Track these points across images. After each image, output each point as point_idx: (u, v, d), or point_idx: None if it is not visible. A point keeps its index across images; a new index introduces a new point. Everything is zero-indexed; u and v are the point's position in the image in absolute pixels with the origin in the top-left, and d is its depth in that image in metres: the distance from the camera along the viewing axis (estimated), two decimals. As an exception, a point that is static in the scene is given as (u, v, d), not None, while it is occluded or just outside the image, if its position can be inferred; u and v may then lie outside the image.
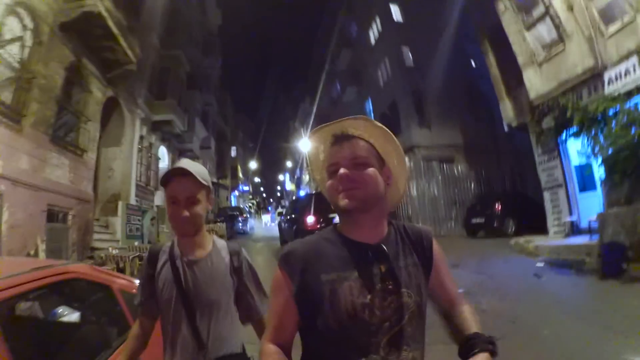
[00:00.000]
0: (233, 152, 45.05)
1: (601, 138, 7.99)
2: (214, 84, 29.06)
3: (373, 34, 24.50)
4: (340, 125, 1.17)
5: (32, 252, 7.41)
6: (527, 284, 7.10)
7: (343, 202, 1.07)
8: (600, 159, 8.11)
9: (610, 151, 7.90)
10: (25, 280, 1.70)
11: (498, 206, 12.81)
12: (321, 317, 1.04)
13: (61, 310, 2.49)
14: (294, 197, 20.67)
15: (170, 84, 16.87)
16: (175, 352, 1.55)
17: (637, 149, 7.38)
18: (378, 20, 23.37)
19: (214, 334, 1.56)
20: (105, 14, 9.07)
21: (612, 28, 8.80)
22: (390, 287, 1.07)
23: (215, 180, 31.65)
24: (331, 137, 1.17)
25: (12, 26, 7.69)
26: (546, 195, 10.97)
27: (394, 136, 1.17)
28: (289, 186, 75.21)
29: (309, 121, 43.24)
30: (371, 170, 1.10)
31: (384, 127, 1.17)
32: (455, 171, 17.98)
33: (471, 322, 1.14)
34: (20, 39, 7.84)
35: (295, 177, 68.05)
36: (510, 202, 13.18)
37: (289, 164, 67.38)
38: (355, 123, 1.17)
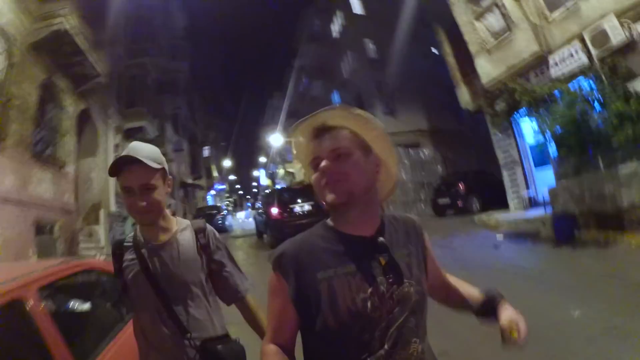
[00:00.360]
0: (206, 152, 45.26)
1: (547, 118, 8.82)
2: (182, 87, 29.14)
3: (335, 28, 25.03)
4: (319, 117, 1.13)
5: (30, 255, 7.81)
6: (486, 254, 7.84)
7: (329, 197, 1.05)
8: (549, 137, 8.96)
9: (558, 129, 8.75)
10: (59, 270, 2.19)
11: (461, 186, 13.72)
12: (321, 316, 1.01)
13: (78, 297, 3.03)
14: (264, 193, 21.99)
15: (139, 91, 17.07)
16: (153, 341, 1.50)
17: (580, 126, 8.24)
18: (339, 14, 23.92)
19: (192, 317, 1.49)
20: (72, 31, 9.34)
21: (556, 14, 9.54)
22: (390, 279, 1.04)
23: (190, 181, 31.88)
24: (313, 130, 1.13)
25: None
26: (504, 173, 11.90)
27: (375, 121, 1.14)
28: (265, 181, 75.30)
29: (278, 116, 43.55)
30: (354, 159, 1.06)
31: (362, 113, 1.14)
32: (422, 155, 18.86)
33: (469, 287, 1.22)
34: (-7, 64, 8.11)
35: (270, 172, 68.26)
36: (473, 181, 14.07)
37: (262, 159, 67.48)
38: (334, 113, 1.13)
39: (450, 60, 13.29)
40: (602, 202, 7.41)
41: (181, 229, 1.61)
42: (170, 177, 1.62)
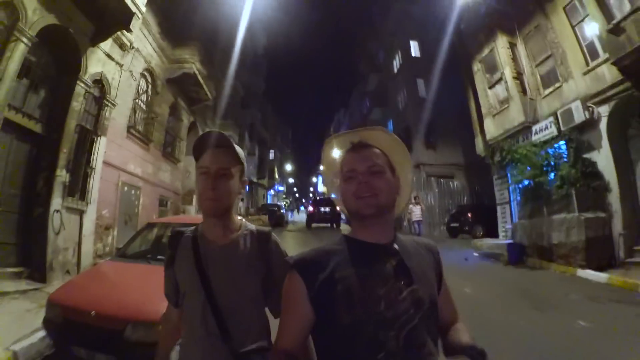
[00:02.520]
0: (271, 155, 48.34)
1: (516, 173, 11.88)
2: (259, 99, 33.45)
3: (396, 63, 28.10)
4: (359, 134, 1.25)
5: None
6: (458, 262, 10.98)
7: (361, 207, 1.13)
8: (516, 187, 12.01)
9: (524, 182, 11.78)
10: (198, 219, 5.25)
11: (470, 215, 16.75)
12: (337, 314, 1.05)
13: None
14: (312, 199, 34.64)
15: (229, 107, 21.44)
16: (196, 342, 1.40)
17: (536, 183, 11.27)
18: (400, 53, 27.01)
19: (239, 325, 1.39)
20: (196, 72, 13.70)
21: (547, 91, 12.43)
22: (403, 282, 1.09)
23: (255, 180, 35.83)
24: (349, 144, 1.23)
25: (142, 84, 12.38)
26: (498, 209, 14.86)
27: (405, 147, 1.27)
28: (321, 188, 79.34)
29: (341, 130, 46.96)
30: (386, 177, 1.16)
31: (398, 139, 1.27)
32: (451, 185, 21.74)
33: (467, 336, 1.20)
34: (146, 91, 12.55)
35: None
36: (480, 212, 16.99)
37: (322, 167, 71.23)
38: (373, 133, 1.26)
39: (473, 114, 16.37)
40: (542, 239, 10.36)
41: (245, 233, 1.53)
42: (246, 178, 1.60)
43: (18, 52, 6.87)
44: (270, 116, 47.03)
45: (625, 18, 8.57)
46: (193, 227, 1.56)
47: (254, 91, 29.41)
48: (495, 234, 15.05)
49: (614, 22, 8.87)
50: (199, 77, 13.93)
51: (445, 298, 1.27)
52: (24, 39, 6.94)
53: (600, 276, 8.41)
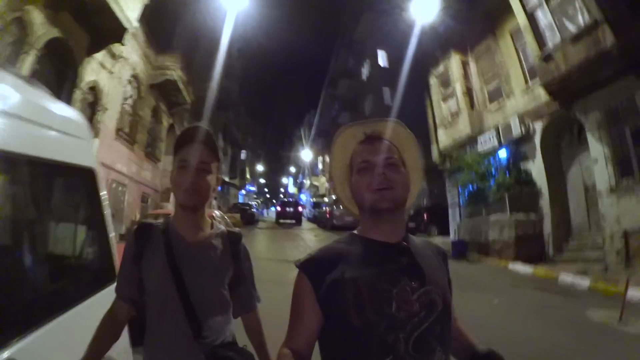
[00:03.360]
0: (243, 155, 48.39)
1: (459, 179, 13.61)
2: (233, 100, 34.21)
3: (365, 71, 29.61)
4: (373, 125, 1.20)
5: (134, 219, 13.09)
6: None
7: (377, 200, 1.08)
8: (461, 191, 13.73)
9: (470, 187, 13.49)
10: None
11: (425, 215, 18.44)
12: (346, 315, 1.01)
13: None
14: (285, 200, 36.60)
15: (205, 109, 22.32)
16: (162, 341, 1.37)
17: (477, 188, 12.97)
18: (368, 61, 28.51)
19: (210, 323, 1.40)
20: (177, 78, 14.76)
21: (493, 105, 14.06)
22: (415, 283, 1.05)
23: (227, 179, 35.99)
24: (362, 135, 1.19)
25: (129, 89, 13.32)
26: (450, 210, 16.55)
27: (418, 146, 1.25)
28: (292, 189, 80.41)
29: (310, 131, 48.36)
30: (401, 171, 1.12)
31: (412, 134, 1.24)
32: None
33: (475, 339, 1.20)
34: (131, 96, 13.51)
35: (298, 181, 73.17)
36: (434, 212, 18.58)
37: (292, 169, 72.37)
38: (387, 125, 1.22)
39: (430, 122, 18.01)
40: (480, 236, 12.02)
41: (217, 233, 1.53)
42: (220, 175, 1.58)
43: (27, 62, 7.91)
44: (243, 117, 47.44)
45: (554, 48, 10.12)
46: (162, 221, 1.52)
47: (228, 93, 30.18)
48: (448, 233, 16.68)
49: (546, 50, 10.42)
50: (179, 83, 14.99)
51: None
52: (33, 51, 7.98)
53: (527, 268, 9.96)
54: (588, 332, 5.28)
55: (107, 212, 2.15)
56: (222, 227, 1.59)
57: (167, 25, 14.64)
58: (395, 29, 23.81)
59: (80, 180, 2.03)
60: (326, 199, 36.08)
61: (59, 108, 1.85)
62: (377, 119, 1.24)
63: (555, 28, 10.19)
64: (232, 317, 1.54)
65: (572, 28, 9.69)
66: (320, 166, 49.95)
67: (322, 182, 47.88)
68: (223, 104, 28.47)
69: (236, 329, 1.55)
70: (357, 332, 1.00)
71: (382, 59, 27.51)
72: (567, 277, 8.80)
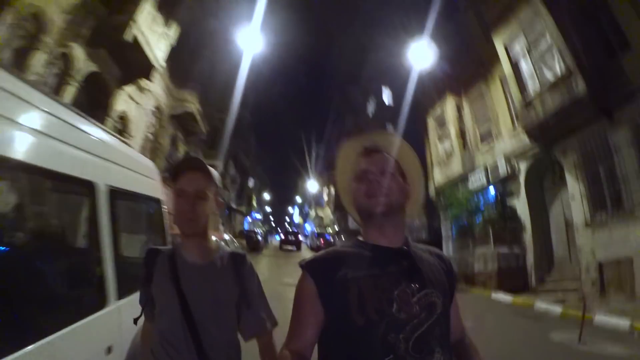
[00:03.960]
0: (250, 183, 49.19)
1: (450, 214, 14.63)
2: (244, 130, 35.56)
3: (370, 108, 30.91)
4: (372, 139, 1.30)
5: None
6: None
7: (372, 205, 1.16)
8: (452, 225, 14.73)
9: (460, 221, 14.49)
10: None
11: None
12: (349, 313, 1.06)
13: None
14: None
15: (218, 137, 23.64)
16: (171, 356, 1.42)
17: (467, 222, 13.95)
18: (374, 99, 29.93)
19: (214, 344, 1.44)
20: (195, 111, 16.14)
21: (484, 146, 15.17)
22: (416, 285, 1.10)
23: (235, 206, 36.97)
24: (361, 147, 1.28)
25: (151, 119, 14.64)
26: (443, 243, 17.40)
27: (417, 157, 1.32)
28: (297, 219, 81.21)
29: (318, 163, 49.53)
30: (397, 180, 1.20)
31: (409, 146, 1.31)
32: (412, 222, 24.11)
33: (479, 356, 1.24)
34: (153, 125, 14.83)
35: (304, 212, 74.02)
36: (432, 245, 19.27)
37: (298, 199, 73.29)
38: (385, 138, 1.32)
39: (428, 160, 19.02)
40: (467, 267, 12.88)
41: (221, 255, 1.58)
42: (221, 200, 1.64)
43: (70, 92, 9.16)
44: (253, 146, 48.53)
45: (534, 95, 11.21)
46: (169, 247, 1.61)
47: (239, 122, 31.42)
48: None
49: (527, 97, 11.55)
50: (197, 115, 16.36)
51: (453, 311, 1.25)
52: (74, 82, 9.25)
53: (507, 298, 10.80)
54: (547, 350, 6.08)
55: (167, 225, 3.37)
56: (227, 249, 1.64)
57: (188, 61, 16.12)
58: (399, 70, 25.25)
59: (154, 206, 3.27)
60: (329, 230, 36.90)
61: (142, 158, 3.19)
62: (376, 132, 1.35)
63: (536, 76, 11.21)
64: (243, 339, 1.58)
65: (549, 76, 10.64)
66: (325, 197, 51.04)
67: (327, 213, 48.68)
68: (235, 132, 29.66)
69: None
70: (359, 330, 1.04)
71: (386, 97, 28.81)
72: (542, 305, 9.58)
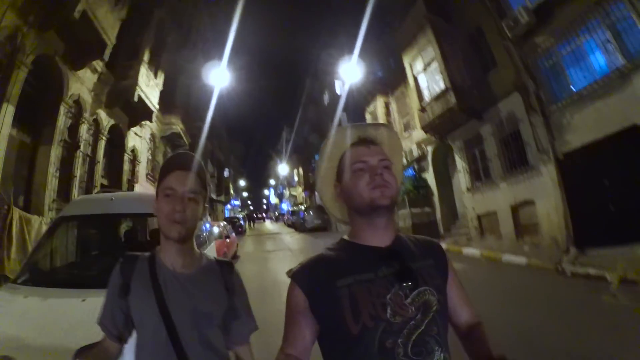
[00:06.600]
0: (226, 173, 50.29)
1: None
2: (217, 126, 38.77)
3: (326, 98, 34.70)
4: (366, 129, 1.26)
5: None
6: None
7: (377, 197, 1.11)
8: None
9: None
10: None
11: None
12: (343, 323, 1.03)
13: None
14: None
15: (196, 142, 27.38)
16: None
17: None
18: (328, 90, 33.60)
19: (198, 357, 1.33)
20: (179, 130, 20.30)
21: (405, 134, 19.92)
22: (409, 285, 1.07)
23: (215, 197, 39.39)
24: (356, 137, 1.23)
25: (149, 144, 18.74)
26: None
27: (402, 149, 1.38)
28: (274, 200, 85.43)
29: (287, 149, 53.42)
30: (394, 174, 1.17)
31: (398, 137, 1.31)
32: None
33: (488, 344, 1.17)
34: (150, 148, 18.94)
35: (279, 192, 78.18)
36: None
37: (272, 181, 77.11)
38: (379, 130, 1.28)
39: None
40: (392, 225, 17.61)
41: (206, 264, 1.49)
42: (207, 205, 1.54)
43: (101, 146, 13.30)
44: (225, 138, 50.76)
45: (427, 103, 15.77)
46: (148, 253, 1.45)
47: (215, 124, 34.65)
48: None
49: (423, 104, 16.16)
50: (181, 133, 20.53)
51: (458, 296, 1.24)
52: (103, 137, 13.40)
53: (422, 243, 15.73)
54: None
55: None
56: (212, 258, 1.54)
57: (170, 92, 20.09)
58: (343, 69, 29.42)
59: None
60: (302, 207, 40.40)
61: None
62: (370, 123, 1.32)
63: (428, 89, 15.83)
64: (227, 353, 1.48)
65: (436, 90, 14.98)
66: (296, 178, 55.04)
67: (299, 192, 52.81)
68: (211, 133, 33.19)
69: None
70: (356, 339, 1.02)
71: (339, 88, 32.52)
72: (444, 245, 14.60)
